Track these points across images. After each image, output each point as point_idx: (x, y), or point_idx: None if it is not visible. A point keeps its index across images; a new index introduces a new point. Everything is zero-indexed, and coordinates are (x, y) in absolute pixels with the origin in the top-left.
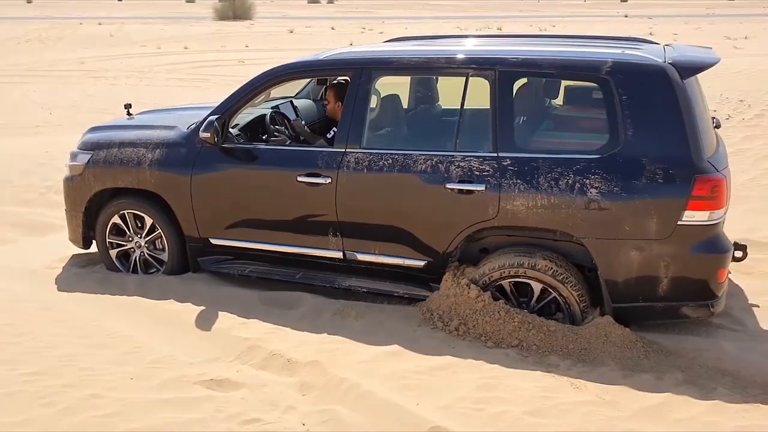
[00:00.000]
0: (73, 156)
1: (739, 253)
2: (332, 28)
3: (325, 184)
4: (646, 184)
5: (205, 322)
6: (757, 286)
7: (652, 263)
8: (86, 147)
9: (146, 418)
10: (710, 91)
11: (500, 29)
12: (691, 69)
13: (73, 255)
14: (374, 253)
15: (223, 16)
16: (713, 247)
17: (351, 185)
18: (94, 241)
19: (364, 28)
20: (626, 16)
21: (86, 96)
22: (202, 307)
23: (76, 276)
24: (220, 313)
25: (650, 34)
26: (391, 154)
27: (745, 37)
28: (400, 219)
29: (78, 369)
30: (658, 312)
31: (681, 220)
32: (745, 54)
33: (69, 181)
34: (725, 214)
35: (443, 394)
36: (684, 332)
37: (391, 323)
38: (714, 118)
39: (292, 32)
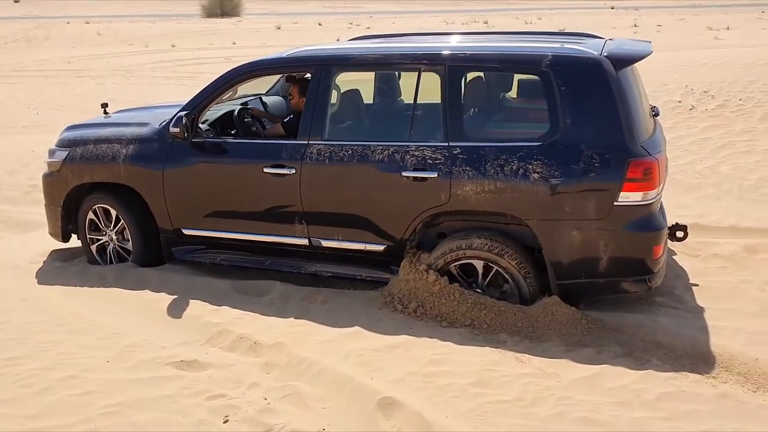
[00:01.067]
0: (51, 153)
1: (680, 234)
2: (319, 24)
3: (290, 174)
4: (584, 168)
5: (178, 309)
6: (701, 267)
7: (591, 242)
8: (63, 144)
9: (120, 396)
10: (677, 83)
11: (486, 23)
12: (625, 61)
13: (55, 250)
14: (337, 239)
15: (210, 13)
16: (648, 225)
17: (314, 175)
18: (72, 235)
19: (351, 24)
20: (612, 8)
21: (73, 95)
22: (176, 296)
23: (57, 269)
24: (193, 301)
25: (635, 25)
26: (351, 145)
27: (727, 28)
28: (360, 206)
29: (57, 353)
30: (599, 287)
31: (617, 201)
32: (723, 45)
33: (48, 177)
34: (659, 194)
35: (396, 369)
36: (626, 310)
37: (354, 306)
38: (654, 107)
39: (279, 29)
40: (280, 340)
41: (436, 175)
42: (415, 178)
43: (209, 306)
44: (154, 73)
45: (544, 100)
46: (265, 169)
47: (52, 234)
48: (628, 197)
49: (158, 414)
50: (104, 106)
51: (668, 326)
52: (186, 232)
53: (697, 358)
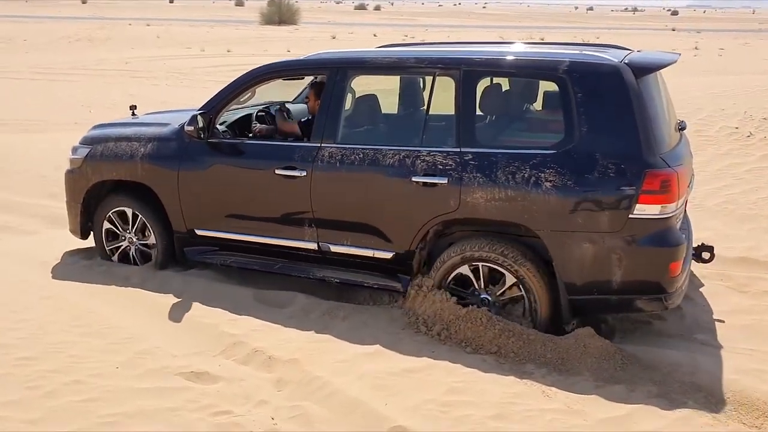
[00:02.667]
0: (74, 150)
1: (706, 255)
2: (374, 35)
3: (301, 177)
4: (599, 178)
5: (196, 316)
6: (749, 305)
7: (604, 256)
8: (86, 142)
9: (123, 405)
10: (735, 108)
11: (543, 39)
12: (645, 68)
13: (83, 248)
14: (346, 245)
15: (268, 20)
16: (665, 240)
17: (324, 178)
18: (92, 232)
19: (406, 36)
20: (674, 30)
21: (127, 95)
22: (197, 302)
23: (83, 268)
24: (212, 309)
25: (696, 48)
26: (362, 148)
27: None
28: (369, 211)
29: (67, 356)
30: (612, 305)
31: (632, 214)
32: None
33: (70, 174)
34: (679, 208)
35: (413, 396)
36: (664, 346)
37: (376, 324)
38: (681, 121)
39: (334, 38)
40: (296, 356)
41: (446, 181)
42: (425, 184)
43: (228, 315)
44: (208, 77)
45: (559, 106)
46: (277, 171)
47: (72, 231)
48: (644, 210)
49: (158, 427)
50: (133, 108)
51: (709, 367)
52: (199, 232)
53: (738, 405)
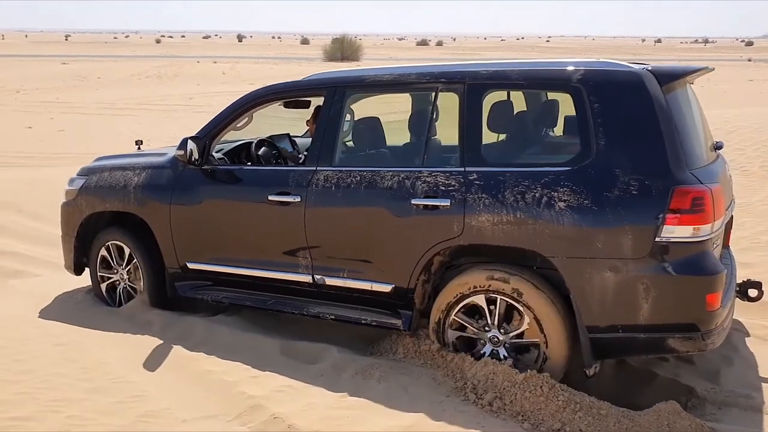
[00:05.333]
0: (71, 181)
1: (753, 292)
2: None
3: (294, 202)
4: (619, 196)
5: (215, 372)
6: None
7: (629, 287)
8: (82, 173)
9: None
10: None
11: None
12: (670, 75)
13: None
14: (342, 277)
15: (331, 57)
16: (699, 267)
17: (319, 204)
18: (86, 269)
19: None
20: (750, 60)
21: (187, 130)
22: (218, 355)
23: (107, 313)
24: (234, 363)
25: None
26: (359, 171)
27: None
28: (366, 239)
29: (66, 417)
30: (640, 345)
31: (659, 237)
32: None
33: (65, 206)
34: (715, 231)
35: None
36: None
37: (416, 389)
38: (718, 141)
39: None
40: (319, 427)
41: (448, 204)
42: (426, 207)
43: (250, 371)
44: (267, 112)
45: (574, 119)
46: (270, 197)
47: (66, 267)
48: (672, 232)
49: None
50: (138, 143)
51: None
52: (191, 265)
53: None
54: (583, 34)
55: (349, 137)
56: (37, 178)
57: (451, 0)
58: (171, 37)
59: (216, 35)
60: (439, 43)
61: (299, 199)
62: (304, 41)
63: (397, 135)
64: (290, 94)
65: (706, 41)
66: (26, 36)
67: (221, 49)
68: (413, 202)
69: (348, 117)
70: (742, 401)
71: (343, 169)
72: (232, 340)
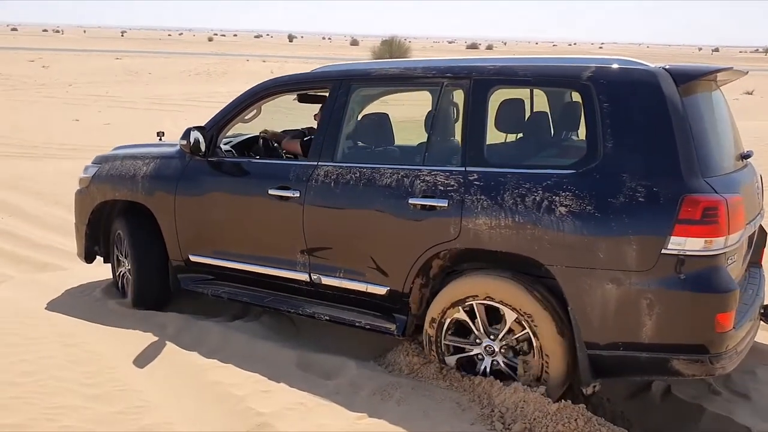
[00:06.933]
0: (85, 169)
1: None
2: None
3: (293, 197)
4: (625, 203)
5: (225, 384)
6: None
7: (631, 301)
8: (97, 161)
9: None
10: None
11: None
12: (687, 74)
13: None
14: (338, 277)
15: (379, 58)
16: (708, 284)
17: (317, 199)
18: (97, 257)
19: None
20: None
21: None
22: (231, 365)
23: (122, 312)
24: (246, 374)
25: None
26: (359, 167)
27: None
28: (363, 238)
29: (59, 426)
30: (642, 365)
31: (666, 249)
32: None
33: (78, 194)
34: (731, 246)
35: None
36: None
37: (438, 414)
38: (748, 150)
39: None
40: None
41: (445, 204)
42: (423, 207)
43: (262, 384)
44: (313, 110)
45: (581, 119)
46: (270, 191)
47: (78, 254)
48: (681, 244)
49: None
50: (160, 134)
51: None
52: (193, 258)
53: None
54: (637, 42)
55: (354, 132)
56: (78, 171)
57: (505, 1)
58: (224, 35)
59: (267, 35)
60: (489, 47)
61: (298, 195)
62: (354, 42)
63: (413, 133)
64: (297, 87)
65: (767, 51)
66: (84, 32)
67: (272, 49)
68: (411, 201)
69: (353, 112)
70: None
71: (344, 165)
72: (248, 348)
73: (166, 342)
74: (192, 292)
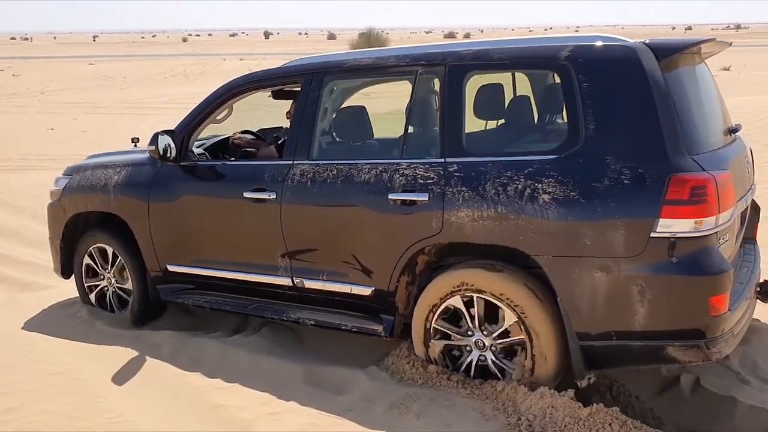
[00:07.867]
0: (56, 181)
1: None
2: None
3: (270, 199)
4: (610, 186)
5: (228, 408)
6: None
7: (621, 289)
8: (68, 172)
9: None
10: None
11: None
12: (669, 48)
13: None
14: (321, 279)
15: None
16: (701, 267)
17: (295, 200)
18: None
19: None
20: None
21: (210, 128)
22: (233, 385)
23: (113, 333)
24: (250, 393)
25: None
26: (336, 164)
27: None
28: (344, 238)
29: None
30: (636, 354)
31: (654, 232)
32: None
33: (50, 207)
34: (722, 225)
35: None
36: None
37: (460, 426)
38: (736, 124)
39: None
40: None
41: (426, 198)
42: (403, 202)
43: (267, 405)
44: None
45: (561, 102)
46: (245, 194)
47: (54, 270)
48: (670, 226)
49: None
50: (135, 140)
51: None
52: (171, 268)
53: None
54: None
55: (330, 128)
56: None
57: None
58: (198, 35)
59: (243, 33)
60: (467, 35)
61: (274, 196)
62: (331, 36)
63: (397, 125)
64: (267, 83)
65: (738, 27)
66: (54, 38)
67: (248, 47)
68: (390, 197)
69: (327, 107)
70: None
71: (320, 162)
72: (250, 365)
73: (162, 363)
74: (184, 306)
